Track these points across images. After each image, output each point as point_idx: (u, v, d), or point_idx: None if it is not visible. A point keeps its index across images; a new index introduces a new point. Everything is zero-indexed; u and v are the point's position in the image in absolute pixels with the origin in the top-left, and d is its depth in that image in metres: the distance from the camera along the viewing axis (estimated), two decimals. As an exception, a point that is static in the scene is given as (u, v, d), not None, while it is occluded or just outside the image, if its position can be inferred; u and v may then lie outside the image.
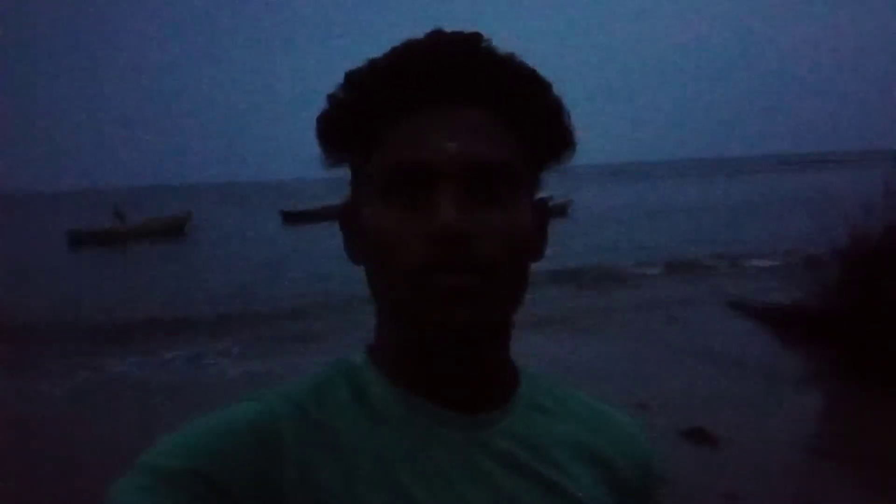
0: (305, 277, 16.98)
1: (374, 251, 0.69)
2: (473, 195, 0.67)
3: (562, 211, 31.35)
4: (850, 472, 5.85)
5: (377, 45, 0.73)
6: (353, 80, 0.71)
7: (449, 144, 0.67)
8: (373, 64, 0.71)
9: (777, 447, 6.25)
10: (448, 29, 0.71)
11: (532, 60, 0.71)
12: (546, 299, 12.32)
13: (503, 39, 0.71)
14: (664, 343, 10.34)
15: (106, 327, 12.64)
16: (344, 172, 0.76)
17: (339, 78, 0.72)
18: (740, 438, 6.42)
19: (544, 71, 0.73)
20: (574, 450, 0.76)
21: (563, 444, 0.76)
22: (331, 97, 0.72)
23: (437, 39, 0.70)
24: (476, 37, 0.71)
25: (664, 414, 6.86)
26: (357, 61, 0.71)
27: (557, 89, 0.73)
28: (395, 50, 0.71)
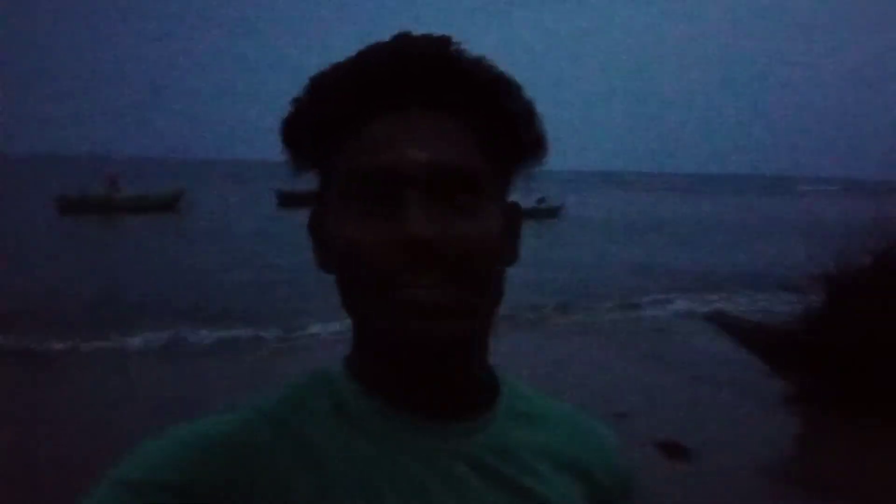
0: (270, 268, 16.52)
1: (339, 259, 0.68)
2: (440, 203, 0.66)
3: (552, 214, 31.98)
4: (820, 501, 5.87)
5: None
6: (318, 84, 0.69)
7: (415, 151, 0.66)
8: (337, 68, 0.69)
9: (749, 467, 6.28)
10: (417, 32, 0.70)
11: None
12: (525, 304, 12.23)
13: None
14: (644, 353, 10.38)
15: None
16: None
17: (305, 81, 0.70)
18: (714, 455, 6.45)
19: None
20: (553, 459, 0.75)
21: (542, 454, 0.75)
22: (295, 101, 0.70)
23: (404, 43, 0.69)
24: (443, 40, 0.69)
25: (641, 424, 6.89)
26: (358, 47, 0.69)
27: (527, 92, 0.71)
28: (360, 53, 0.69)
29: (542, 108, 0.73)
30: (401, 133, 0.67)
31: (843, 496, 5.83)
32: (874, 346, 7.25)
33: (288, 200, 31.59)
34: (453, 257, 0.65)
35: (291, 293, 12.91)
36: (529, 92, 0.72)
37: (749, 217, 39.94)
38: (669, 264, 19.12)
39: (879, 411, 7.09)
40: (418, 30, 0.70)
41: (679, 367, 9.74)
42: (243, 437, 0.66)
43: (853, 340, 7.36)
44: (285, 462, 0.66)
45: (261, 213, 32.06)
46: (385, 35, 0.70)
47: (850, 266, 7.99)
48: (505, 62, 0.71)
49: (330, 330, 10.14)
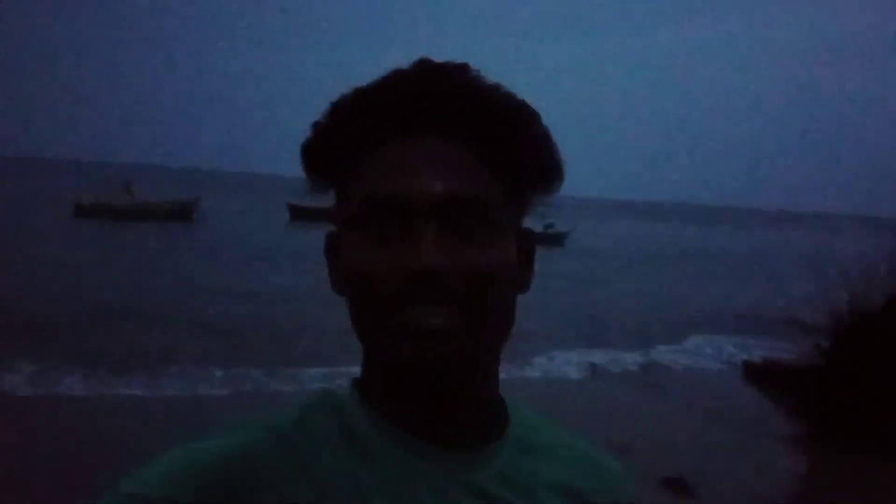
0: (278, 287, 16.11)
1: (349, 283, 0.69)
2: (450, 231, 0.66)
3: (559, 241, 31.82)
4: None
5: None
6: (338, 108, 0.70)
7: (427, 179, 0.66)
8: (357, 92, 0.70)
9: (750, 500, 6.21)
10: (439, 59, 0.70)
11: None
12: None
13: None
14: (648, 386, 10.32)
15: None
16: None
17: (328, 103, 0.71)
18: (719, 492, 6.38)
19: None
20: (559, 492, 0.75)
21: (549, 486, 0.75)
22: (315, 125, 0.71)
23: (423, 70, 0.69)
24: (462, 68, 0.70)
25: (646, 459, 6.82)
26: (376, 63, 0.70)
27: (544, 120, 0.72)
28: (380, 79, 0.70)
29: (566, 135, 0.71)
30: (415, 160, 0.67)
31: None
32: (880, 386, 7.20)
33: (299, 214, 31.90)
34: (463, 289, 0.66)
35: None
36: (549, 119, 0.72)
37: (766, 250, 39.80)
38: (676, 298, 19.05)
39: (885, 450, 7.03)
40: (438, 55, 0.71)
41: (684, 402, 9.67)
42: (250, 457, 0.66)
43: (861, 378, 7.31)
44: (290, 483, 0.66)
45: (276, 227, 32.19)
46: (407, 56, 0.71)
47: (860, 305, 7.95)
48: (527, 90, 0.70)
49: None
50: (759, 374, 10.18)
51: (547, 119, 0.73)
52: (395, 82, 0.69)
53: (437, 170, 0.67)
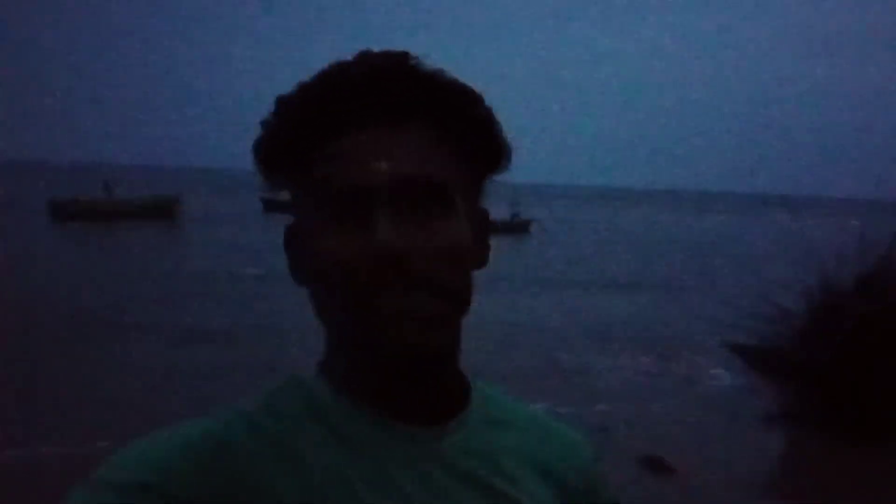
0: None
1: (317, 274, 0.70)
2: (409, 213, 0.68)
3: (523, 228, 32.56)
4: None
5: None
6: (284, 104, 0.71)
7: (381, 164, 0.68)
8: (302, 87, 0.71)
9: (734, 485, 6.30)
10: (380, 49, 0.72)
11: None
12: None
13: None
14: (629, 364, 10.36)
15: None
16: None
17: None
18: (698, 471, 6.47)
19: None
20: (526, 463, 0.77)
21: (516, 457, 0.76)
22: (263, 123, 0.72)
23: (365, 60, 0.71)
24: (403, 56, 0.71)
25: (625, 438, 6.90)
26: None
27: (488, 101, 0.73)
28: (323, 72, 0.71)
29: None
30: (366, 148, 0.69)
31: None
32: (857, 366, 7.32)
33: (271, 206, 31.91)
34: (423, 266, 0.67)
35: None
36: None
37: (744, 236, 39.89)
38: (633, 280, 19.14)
39: (865, 430, 7.12)
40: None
41: (664, 381, 9.76)
42: (223, 440, 0.67)
43: (839, 360, 7.41)
44: (266, 465, 0.67)
45: (254, 224, 31.89)
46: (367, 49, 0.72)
47: (833, 286, 8.06)
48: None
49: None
50: (742, 354, 10.26)
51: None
52: (339, 74, 0.70)
53: (389, 154, 0.69)
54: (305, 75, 0.72)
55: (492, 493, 0.73)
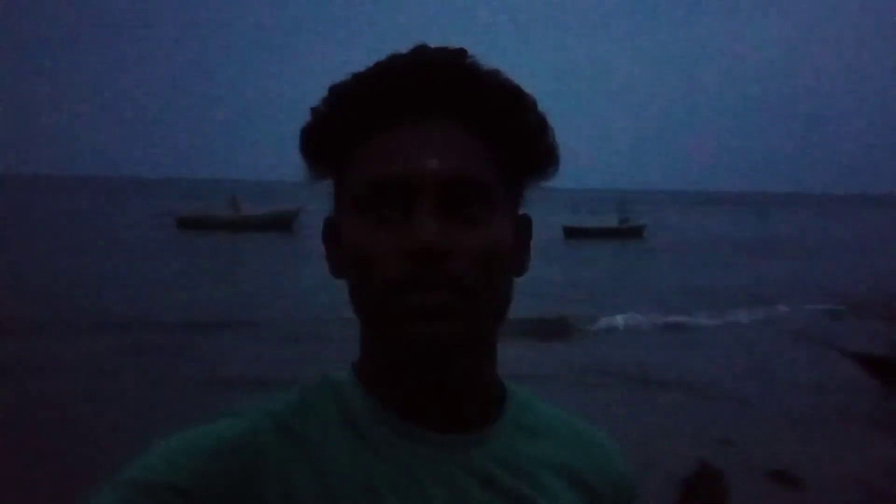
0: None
1: (351, 266, 0.69)
2: (450, 212, 0.67)
3: (637, 233, 32.51)
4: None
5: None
6: (336, 93, 0.71)
7: (426, 160, 0.67)
8: (355, 78, 0.70)
9: (863, 496, 5.97)
10: (434, 44, 0.71)
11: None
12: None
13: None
14: (739, 373, 9.99)
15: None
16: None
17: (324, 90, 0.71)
18: (829, 484, 6.17)
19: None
20: (556, 471, 0.75)
21: (546, 465, 0.75)
22: (314, 110, 0.72)
23: (420, 54, 0.70)
24: (460, 52, 0.70)
25: (749, 452, 6.65)
26: (366, 61, 0.70)
27: (542, 106, 0.72)
28: (378, 64, 0.70)
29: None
30: (413, 143, 0.68)
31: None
32: None
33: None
34: (463, 272, 0.66)
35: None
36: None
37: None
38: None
39: None
40: (440, 42, 0.71)
41: (789, 390, 9.35)
42: (251, 441, 0.67)
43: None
44: (292, 467, 0.67)
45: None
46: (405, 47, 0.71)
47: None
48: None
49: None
50: (858, 359, 9.72)
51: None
52: (393, 67, 0.70)
53: (437, 152, 0.67)
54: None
55: (520, 501, 0.71)
